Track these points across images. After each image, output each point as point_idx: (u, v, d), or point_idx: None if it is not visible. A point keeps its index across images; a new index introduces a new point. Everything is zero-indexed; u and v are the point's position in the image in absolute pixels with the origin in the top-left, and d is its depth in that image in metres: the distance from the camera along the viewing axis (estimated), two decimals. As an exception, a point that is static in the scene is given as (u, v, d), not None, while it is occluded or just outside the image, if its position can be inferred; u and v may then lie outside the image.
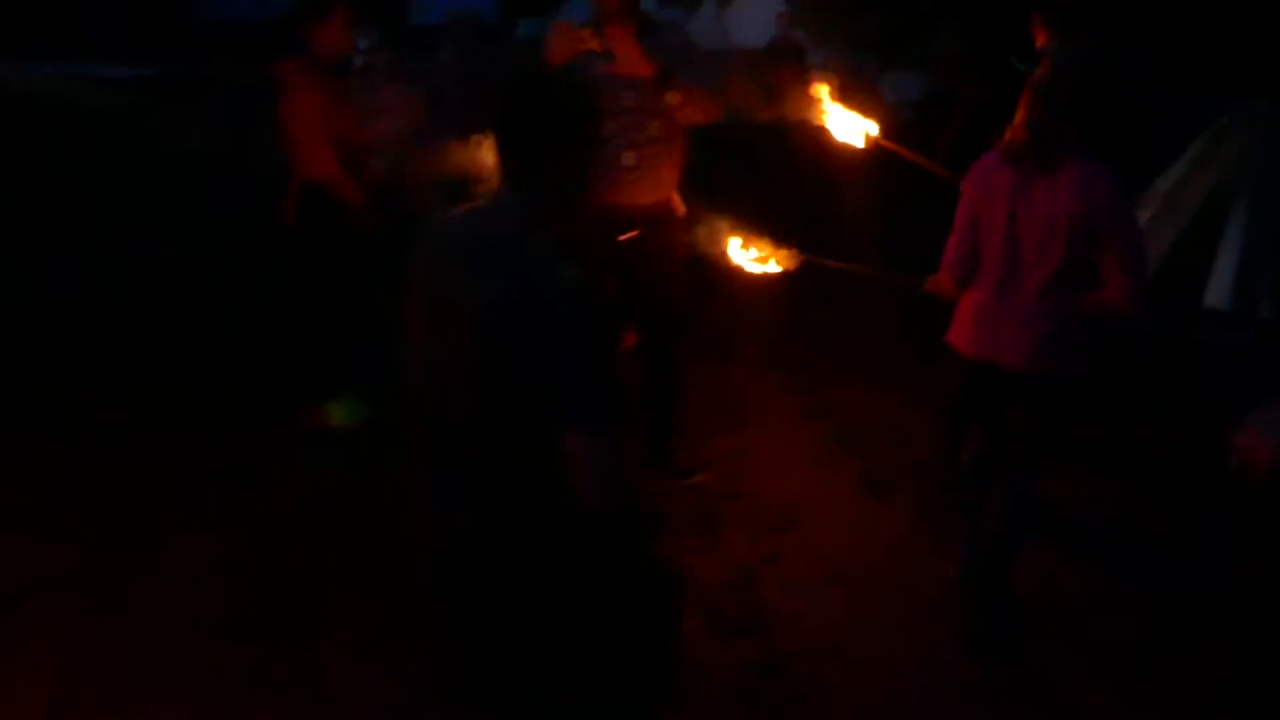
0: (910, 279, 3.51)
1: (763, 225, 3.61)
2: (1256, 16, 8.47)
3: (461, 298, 1.94)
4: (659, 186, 4.03)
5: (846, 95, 4.03)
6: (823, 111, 3.83)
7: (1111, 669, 3.37)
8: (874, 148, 3.89)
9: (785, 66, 9.92)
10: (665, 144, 3.98)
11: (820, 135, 4.01)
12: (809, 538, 3.99)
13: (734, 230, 3.38)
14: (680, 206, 4.47)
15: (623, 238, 3.99)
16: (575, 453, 1.89)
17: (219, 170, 8.47)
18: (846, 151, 4.04)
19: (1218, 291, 6.84)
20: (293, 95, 4.25)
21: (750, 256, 3.40)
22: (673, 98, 3.83)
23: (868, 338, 5.97)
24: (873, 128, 3.83)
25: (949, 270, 3.37)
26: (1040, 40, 4.34)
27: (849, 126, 3.85)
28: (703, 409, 5.05)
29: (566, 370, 1.88)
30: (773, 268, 3.44)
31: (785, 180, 7.68)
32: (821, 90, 3.89)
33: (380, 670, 3.29)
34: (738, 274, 3.50)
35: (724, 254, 3.42)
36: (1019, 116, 3.13)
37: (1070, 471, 4.41)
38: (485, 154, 3.07)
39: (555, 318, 1.89)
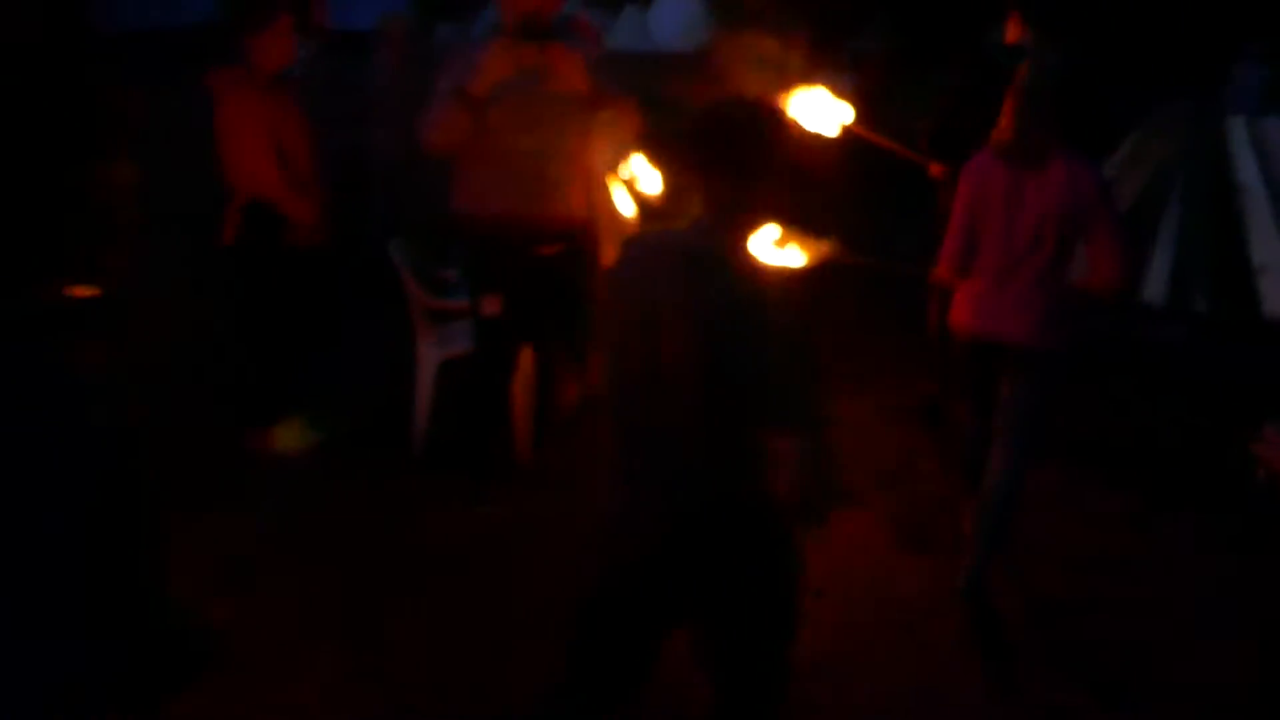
0: (915, 270, 3.69)
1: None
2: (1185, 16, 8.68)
3: (679, 307, 2.12)
4: (580, 201, 4.00)
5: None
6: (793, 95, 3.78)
7: (1108, 671, 3.35)
8: (843, 135, 3.85)
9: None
10: (589, 160, 3.97)
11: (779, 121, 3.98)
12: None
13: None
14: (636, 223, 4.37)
15: (545, 251, 3.93)
16: (777, 448, 2.09)
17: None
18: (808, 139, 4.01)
19: (1155, 287, 6.96)
20: (231, 107, 4.03)
21: (778, 248, 3.33)
22: (605, 116, 3.83)
23: (825, 345, 5.91)
24: (848, 114, 3.78)
25: (949, 262, 3.54)
26: (1012, 35, 4.49)
27: (820, 113, 3.80)
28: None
29: (774, 374, 2.09)
30: (798, 261, 3.36)
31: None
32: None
33: (358, 703, 3.15)
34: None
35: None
36: (1005, 117, 3.33)
37: (1066, 470, 4.48)
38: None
39: (766, 328, 2.11)
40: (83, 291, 1.44)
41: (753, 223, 2.23)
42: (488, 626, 3.48)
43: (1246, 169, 7.17)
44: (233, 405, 4.51)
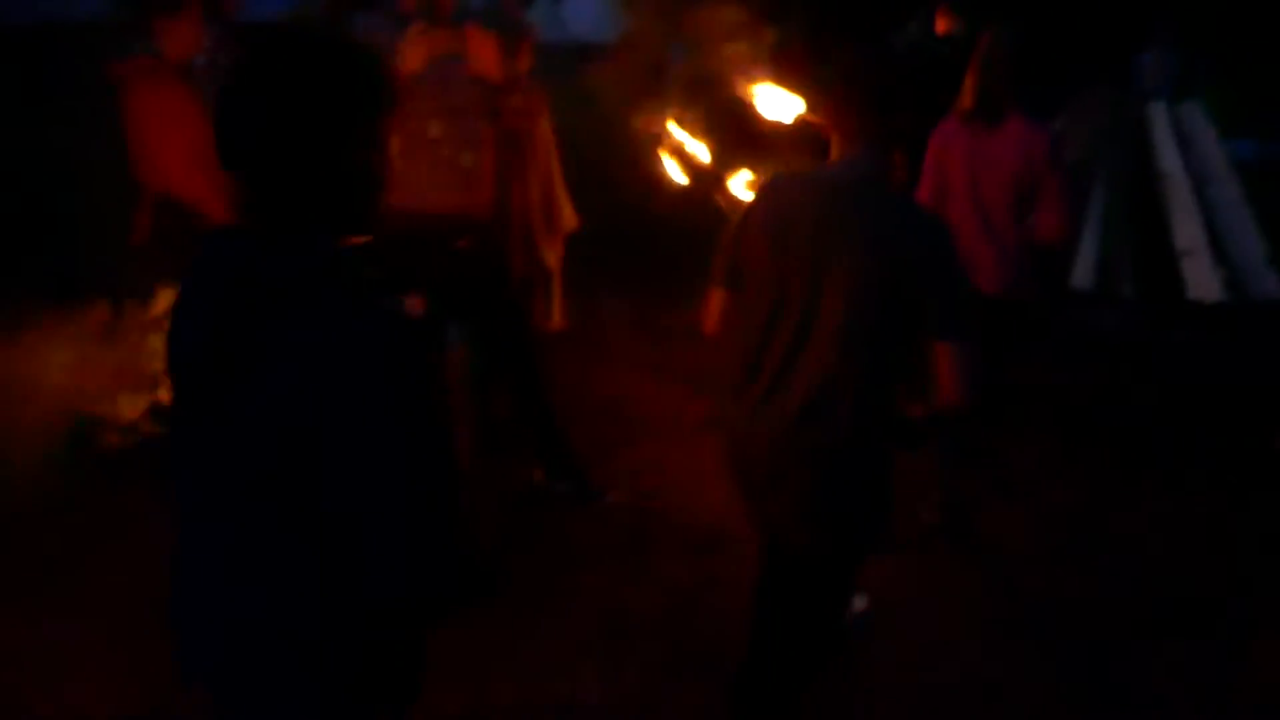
0: None
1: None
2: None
3: (852, 234, 2.31)
4: (494, 189, 3.91)
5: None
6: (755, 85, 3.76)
7: (1074, 668, 3.30)
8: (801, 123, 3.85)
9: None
10: (503, 147, 3.93)
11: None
12: (741, 556, 3.74)
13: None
14: (571, 219, 4.24)
15: (461, 244, 3.78)
16: (945, 357, 2.28)
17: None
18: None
19: (1082, 273, 7.00)
20: (142, 99, 3.75)
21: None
22: (515, 100, 3.77)
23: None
24: (800, 104, 3.76)
25: None
26: (942, 26, 4.93)
27: (778, 103, 3.76)
28: (600, 420, 4.80)
29: (945, 291, 2.30)
30: None
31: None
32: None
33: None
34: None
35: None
36: (968, 85, 3.67)
37: (1022, 461, 4.49)
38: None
39: (938, 250, 2.33)
40: (355, 240, 1.56)
41: (892, 153, 2.45)
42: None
43: (1167, 154, 7.26)
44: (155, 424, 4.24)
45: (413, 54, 3.56)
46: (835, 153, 2.44)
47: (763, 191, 2.52)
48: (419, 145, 3.70)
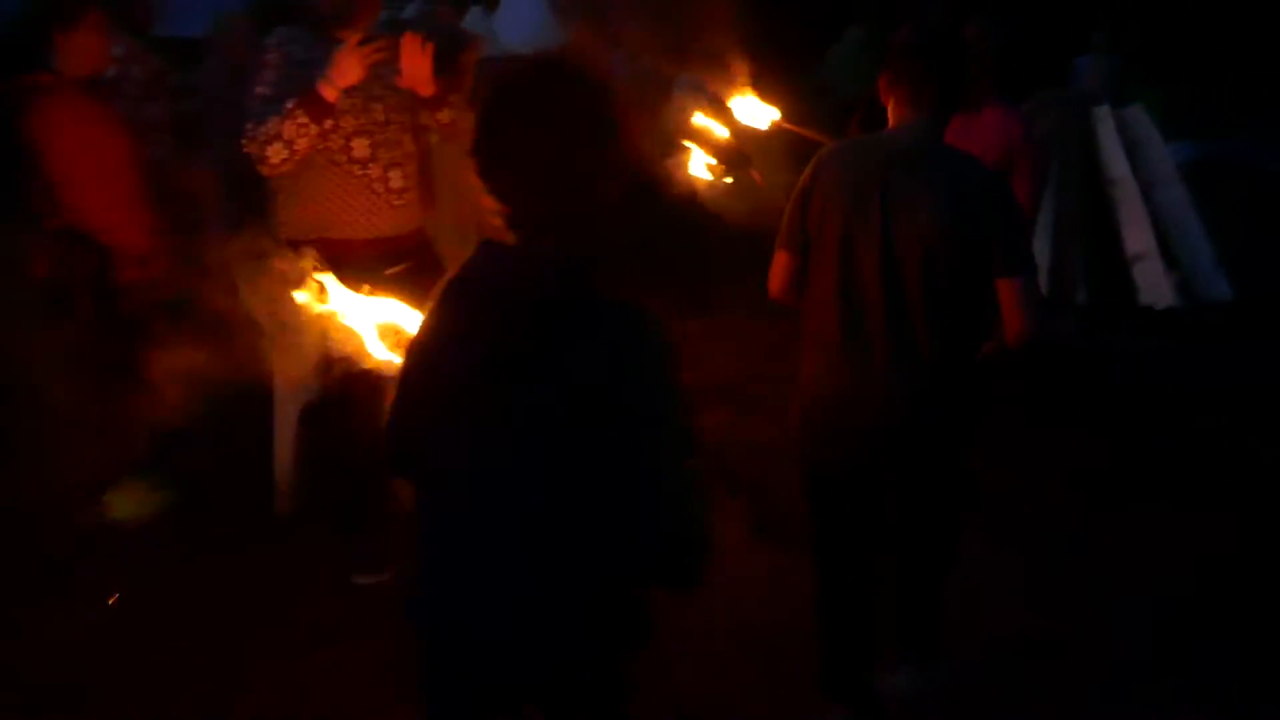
0: None
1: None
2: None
3: (920, 188, 2.61)
4: (423, 210, 3.74)
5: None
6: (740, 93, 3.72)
7: (1083, 672, 3.29)
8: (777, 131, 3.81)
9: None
10: (426, 163, 3.79)
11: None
12: (717, 603, 3.45)
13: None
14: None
15: (390, 272, 3.47)
16: (1014, 292, 2.58)
17: None
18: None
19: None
20: (40, 119, 3.43)
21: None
22: (444, 115, 3.57)
23: (715, 360, 5.65)
24: (775, 113, 3.72)
25: None
26: None
27: (752, 112, 3.70)
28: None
29: (1012, 234, 2.61)
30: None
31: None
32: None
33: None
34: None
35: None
36: None
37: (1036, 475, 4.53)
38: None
39: (998, 196, 2.67)
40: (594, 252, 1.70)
41: (948, 120, 2.74)
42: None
43: (1115, 159, 7.19)
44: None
45: (353, 67, 3.30)
46: (894, 119, 2.73)
47: (827, 157, 2.77)
48: (344, 167, 3.50)
